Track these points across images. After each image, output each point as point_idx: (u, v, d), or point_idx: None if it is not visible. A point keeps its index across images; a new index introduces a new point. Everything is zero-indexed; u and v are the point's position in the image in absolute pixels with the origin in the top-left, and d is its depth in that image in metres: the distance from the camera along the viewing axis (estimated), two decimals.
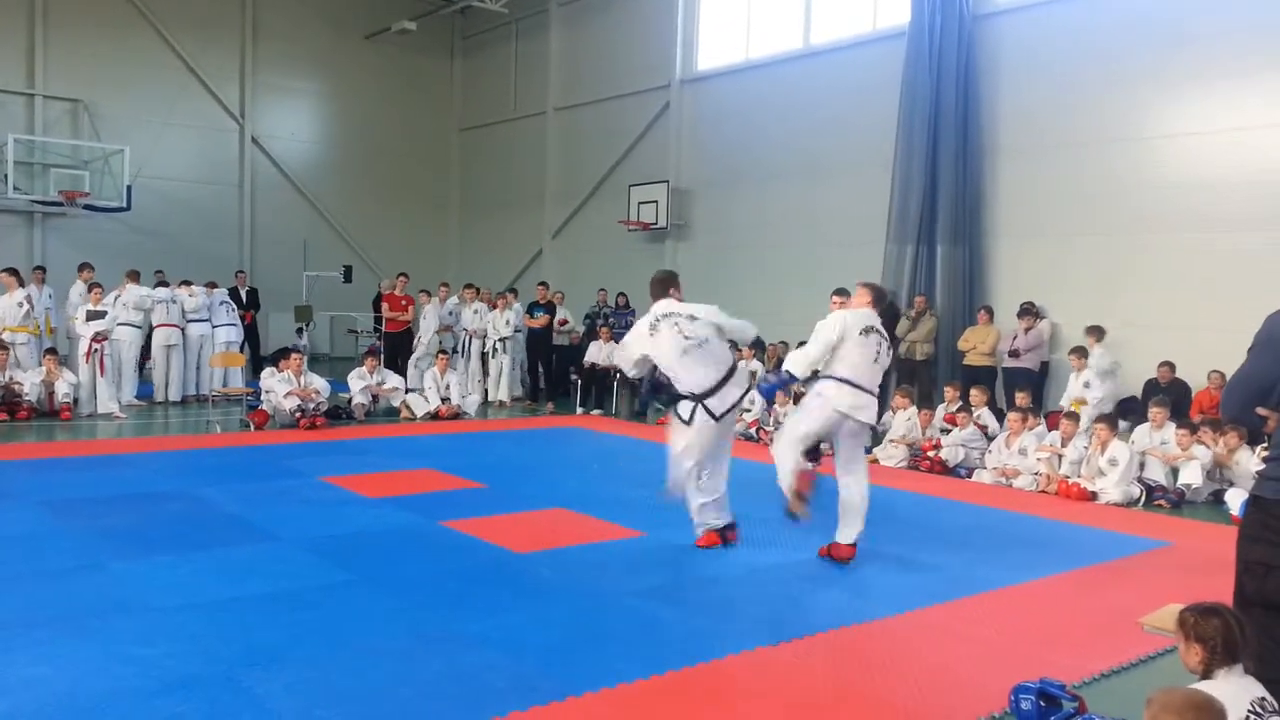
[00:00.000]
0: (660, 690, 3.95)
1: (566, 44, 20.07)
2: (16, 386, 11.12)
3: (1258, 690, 2.94)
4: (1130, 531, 7.24)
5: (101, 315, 11.89)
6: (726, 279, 16.27)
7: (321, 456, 9.28)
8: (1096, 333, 10.79)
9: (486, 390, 14.33)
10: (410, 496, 7.59)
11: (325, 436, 10.64)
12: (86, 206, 17.43)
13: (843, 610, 5.06)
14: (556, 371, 15.02)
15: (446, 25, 22.40)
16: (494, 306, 14.49)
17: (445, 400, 12.53)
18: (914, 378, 12.39)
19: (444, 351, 13.47)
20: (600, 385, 13.82)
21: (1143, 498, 8.35)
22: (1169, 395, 10.07)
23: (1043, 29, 12.44)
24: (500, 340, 14.21)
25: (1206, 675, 2.96)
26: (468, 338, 14.71)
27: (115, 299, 12.52)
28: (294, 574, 5.45)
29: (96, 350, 11.71)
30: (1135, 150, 11.57)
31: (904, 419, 10.40)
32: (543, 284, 15.47)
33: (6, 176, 16.72)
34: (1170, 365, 10.62)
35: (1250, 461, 8.15)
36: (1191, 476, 8.44)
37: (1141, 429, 9.15)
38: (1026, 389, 10.33)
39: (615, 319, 15.16)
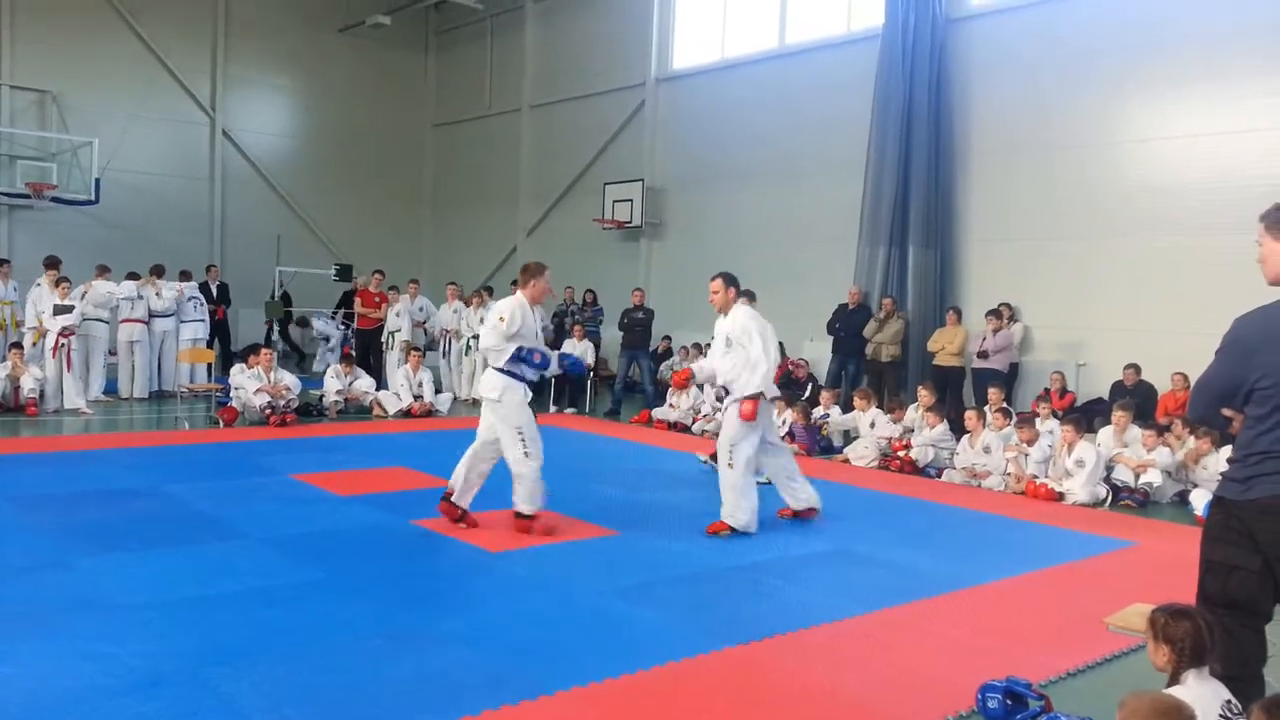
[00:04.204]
0: (631, 689, 3.96)
1: (542, 41, 20.02)
2: None
3: (1225, 693, 2.98)
4: (1096, 532, 7.34)
5: (69, 309, 11.72)
6: (700, 278, 16.19)
7: (292, 454, 9.21)
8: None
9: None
10: (382, 494, 7.55)
11: (296, 434, 10.56)
12: (54, 199, 17.18)
13: (812, 609, 5.10)
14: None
15: (420, 20, 22.27)
16: (468, 304, 14.44)
17: (418, 398, 12.47)
18: (881, 379, 12.49)
19: (416, 349, 13.39)
20: (574, 384, 13.81)
21: (1109, 498, 8.45)
22: (1135, 397, 10.21)
23: (1015, 33, 12.57)
24: (473, 338, 14.15)
25: (1175, 677, 2.99)
26: (448, 337, 14.64)
27: (82, 295, 12.34)
28: (263, 572, 5.41)
29: (63, 345, 11.54)
30: (1105, 154, 11.71)
31: (867, 420, 10.50)
32: (515, 283, 15.41)
33: None
34: (1136, 368, 10.77)
35: (1217, 464, 8.28)
36: (1151, 476, 8.57)
37: (1105, 432, 9.27)
38: (999, 389, 10.42)
39: (579, 315, 15.13)
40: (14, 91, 17.70)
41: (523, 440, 6.41)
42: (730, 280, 7.05)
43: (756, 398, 6.65)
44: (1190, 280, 10.85)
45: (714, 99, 16.43)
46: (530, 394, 6.62)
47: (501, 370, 6.49)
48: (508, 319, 6.46)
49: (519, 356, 6.45)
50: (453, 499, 6.59)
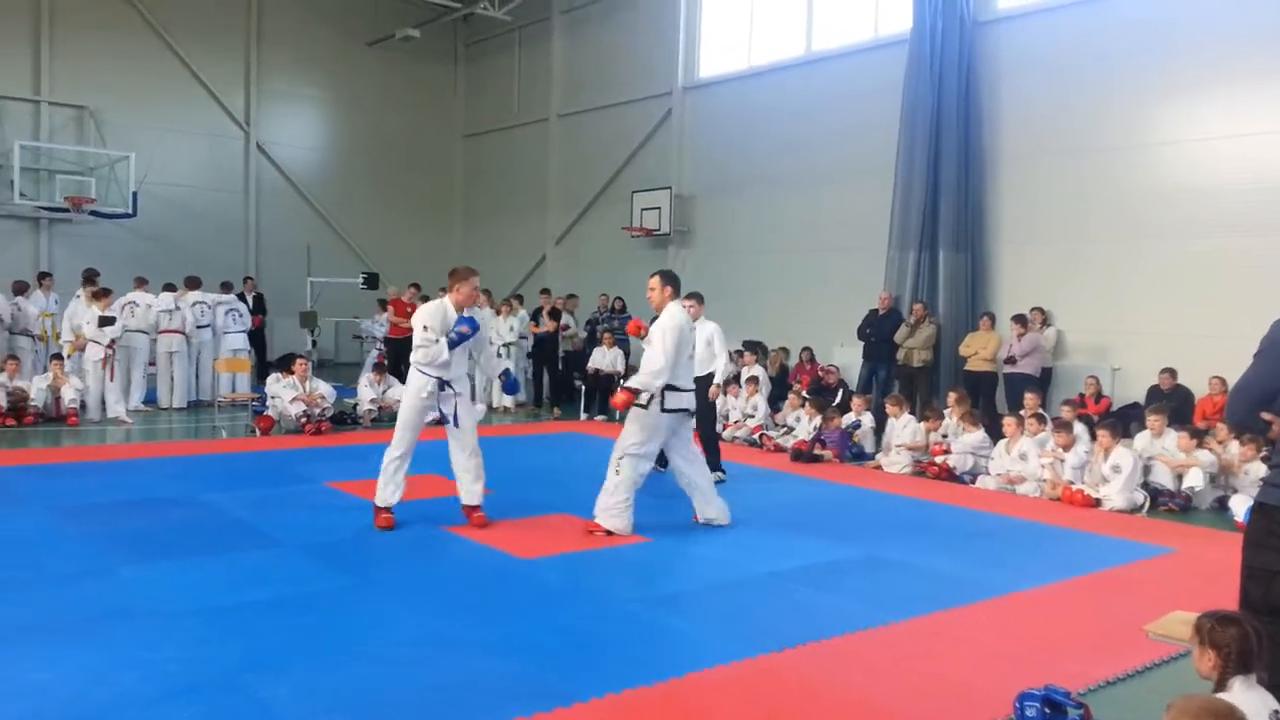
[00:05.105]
0: (664, 696, 3.96)
1: (569, 51, 20.12)
2: (20, 394, 11.13)
3: (1273, 702, 2.94)
4: (1134, 538, 7.24)
5: (111, 321, 11.94)
6: (729, 285, 16.28)
7: (327, 462, 9.30)
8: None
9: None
10: (415, 502, 7.57)
11: (330, 442, 10.65)
12: (92, 213, 17.48)
13: (846, 617, 5.07)
14: (561, 377, 15.05)
15: (449, 32, 22.46)
16: (499, 313, 14.53)
17: None
18: (912, 384, 12.40)
19: None
20: (605, 391, 13.83)
21: (1147, 504, 8.34)
22: (1171, 401, 10.07)
23: (1044, 35, 12.46)
24: (504, 346, 14.25)
25: (1220, 684, 2.95)
26: None
27: (123, 307, 12.57)
28: (299, 579, 5.47)
29: (109, 355, 11.76)
30: (1138, 156, 11.58)
31: (901, 425, 10.42)
32: (545, 291, 15.52)
33: (13, 183, 16.78)
34: (1172, 371, 10.61)
35: (1259, 469, 8.15)
36: (1194, 479, 8.45)
37: (1142, 436, 9.15)
38: (1036, 394, 10.32)
39: (606, 323, 15.17)
40: (53, 108, 18.04)
41: (397, 430, 6.81)
42: (668, 279, 7.02)
43: (631, 392, 6.72)
44: (1227, 282, 10.70)
45: (741, 107, 16.42)
46: (435, 388, 6.75)
47: (416, 368, 6.78)
48: (431, 326, 6.63)
49: (452, 343, 6.65)
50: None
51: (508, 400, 14.25)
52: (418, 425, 6.84)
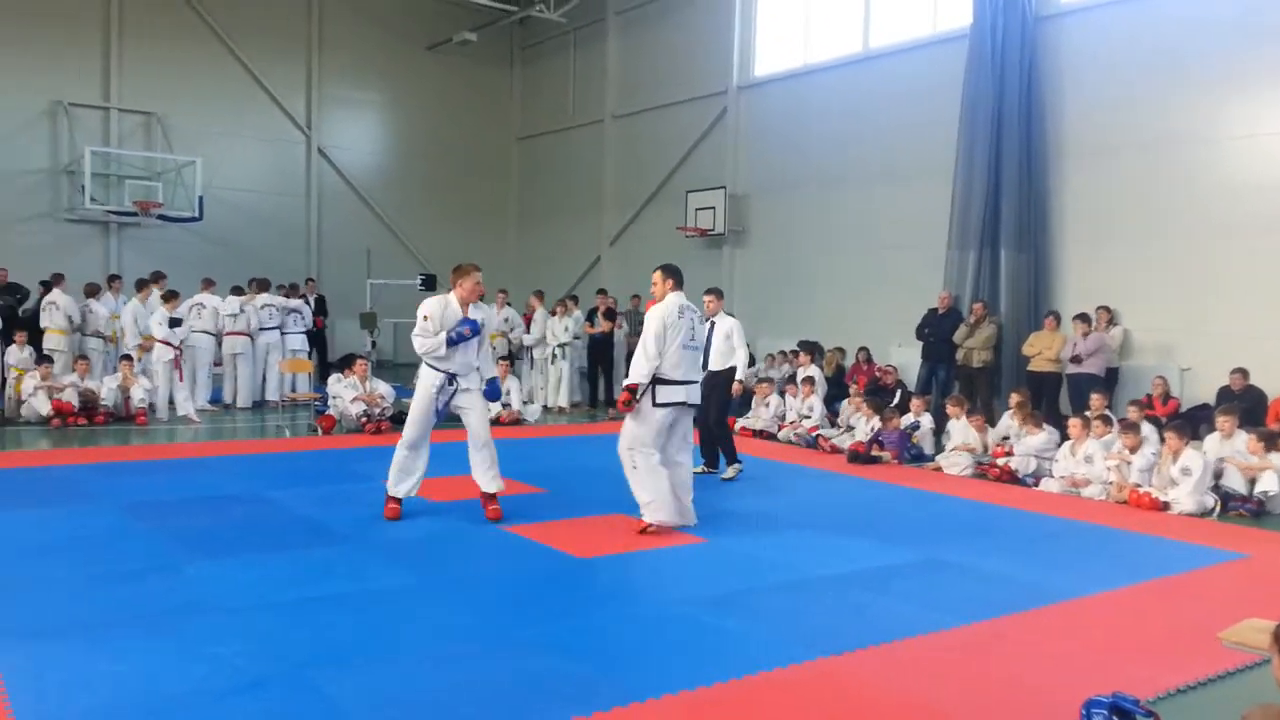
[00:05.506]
0: (722, 699, 3.94)
1: (624, 52, 20.17)
2: (91, 394, 11.46)
3: None
4: (1205, 543, 7.04)
5: (179, 323, 12.26)
6: (785, 284, 16.21)
7: (386, 461, 9.28)
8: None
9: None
10: (472, 501, 7.63)
11: (390, 441, 10.68)
12: (160, 217, 17.97)
13: (906, 620, 5.00)
14: (617, 378, 15.08)
15: (505, 35, 22.65)
16: (553, 314, 14.62)
17: (506, 406, 12.64)
18: (972, 385, 12.21)
19: (503, 358, 13.59)
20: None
21: (1218, 508, 8.11)
22: (1243, 403, 9.79)
23: (1108, 29, 12.19)
24: (560, 346, 14.33)
25: None
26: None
27: (190, 308, 12.89)
28: (360, 576, 5.55)
29: (177, 355, 12.08)
30: (1207, 151, 11.28)
31: (961, 427, 10.26)
32: (602, 291, 15.56)
33: (84, 188, 17.30)
34: (1243, 372, 10.32)
35: None
36: (1268, 484, 8.18)
37: (1212, 438, 8.91)
38: (1102, 394, 10.10)
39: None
40: (122, 114, 18.57)
41: (407, 423, 7.04)
42: (669, 272, 7.03)
43: (628, 390, 6.73)
44: None
45: (797, 105, 16.32)
46: (444, 382, 6.90)
47: (426, 362, 6.96)
48: (430, 316, 6.80)
49: (451, 341, 6.78)
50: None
51: (563, 400, 14.34)
52: (426, 418, 6.99)
